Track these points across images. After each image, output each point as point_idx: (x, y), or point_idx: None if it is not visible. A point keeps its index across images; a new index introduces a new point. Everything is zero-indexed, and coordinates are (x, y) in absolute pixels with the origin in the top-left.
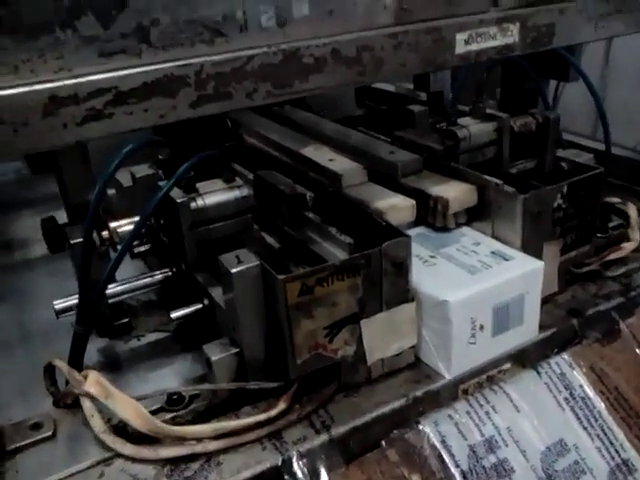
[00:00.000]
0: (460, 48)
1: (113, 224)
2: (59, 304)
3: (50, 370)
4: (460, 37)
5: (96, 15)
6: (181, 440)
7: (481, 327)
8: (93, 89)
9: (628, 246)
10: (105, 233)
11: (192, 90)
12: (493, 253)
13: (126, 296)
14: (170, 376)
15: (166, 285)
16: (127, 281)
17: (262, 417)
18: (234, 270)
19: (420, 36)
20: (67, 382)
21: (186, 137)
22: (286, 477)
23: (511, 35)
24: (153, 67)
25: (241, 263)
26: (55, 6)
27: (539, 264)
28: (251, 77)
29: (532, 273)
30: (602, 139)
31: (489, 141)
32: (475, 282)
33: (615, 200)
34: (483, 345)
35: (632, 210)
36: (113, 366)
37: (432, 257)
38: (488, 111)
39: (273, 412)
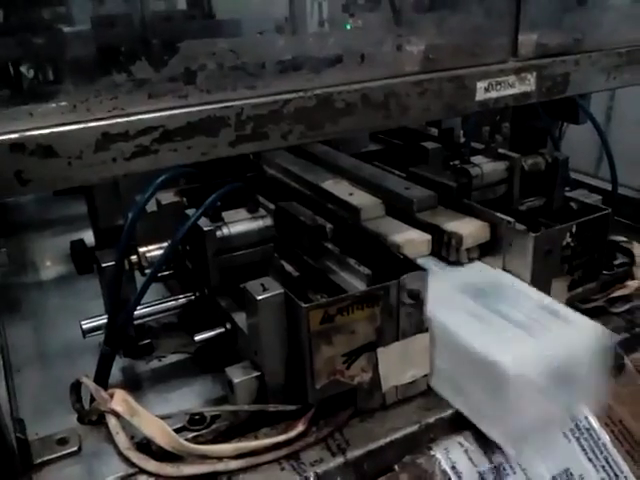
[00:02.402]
0: (480, 95)
1: (142, 249)
2: (86, 324)
3: (76, 387)
4: (480, 85)
5: (149, 60)
6: (203, 458)
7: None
8: (142, 127)
9: (633, 284)
10: (134, 257)
11: (232, 130)
12: (551, 312)
13: (151, 318)
14: (190, 396)
15: (187, 308)
16: (152, 304)
17: (281, 438)
18: (260, 297)
19: (443, 84)
20: (92, 399)
21: (209, 167)
22: None
23: (528, 84)
24: (197, 108)
25: (266, 291)
26: (113, 52)
27: (599, 329)
28: (287, 119)
29: (593, 337)
30: (605, 177)
31: (500, 179)
32: (536, 348)
33: (620, 239)
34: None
35: (637, 249)
36: (135, 385)
37: (487, 314)
38: (500, 151)
39: (292, 434)
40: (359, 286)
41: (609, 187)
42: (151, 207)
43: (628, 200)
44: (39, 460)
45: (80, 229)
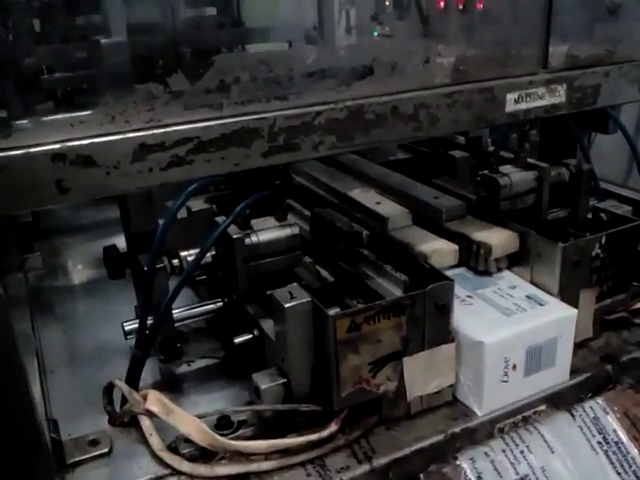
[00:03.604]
0: (510, 107)
1: (184, 253)
2: (129, 325)
3: (109, 390)
4: (510, 97)
5: (185, 72)
6: (238, 454)
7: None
8: (178, 138)
9: None
10: (176, 261)
11: (265, 141)
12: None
13: (181, 323)
14: (219, 401)
15: (216, 315)
16: (183, 309)
17: (314, 437)
18: (287, 305)
19: (473, 95)
20: (122, 402)
21: (239, 176)
22: None
23: (558, 95)
24: (231, 120)
25: (294, 299)
26: (151, 64)
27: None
28: (318, 131)
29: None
30: (635, 187)
31: (529, 189)
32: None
33: None
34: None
35: None
36: (164, 389)
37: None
38: (529, 160)
39: (324, 433)
40: (395, 292)
41: (638, 197)
42: (181, 214)
43: None
44: (71, 460)
45: (111, 234)
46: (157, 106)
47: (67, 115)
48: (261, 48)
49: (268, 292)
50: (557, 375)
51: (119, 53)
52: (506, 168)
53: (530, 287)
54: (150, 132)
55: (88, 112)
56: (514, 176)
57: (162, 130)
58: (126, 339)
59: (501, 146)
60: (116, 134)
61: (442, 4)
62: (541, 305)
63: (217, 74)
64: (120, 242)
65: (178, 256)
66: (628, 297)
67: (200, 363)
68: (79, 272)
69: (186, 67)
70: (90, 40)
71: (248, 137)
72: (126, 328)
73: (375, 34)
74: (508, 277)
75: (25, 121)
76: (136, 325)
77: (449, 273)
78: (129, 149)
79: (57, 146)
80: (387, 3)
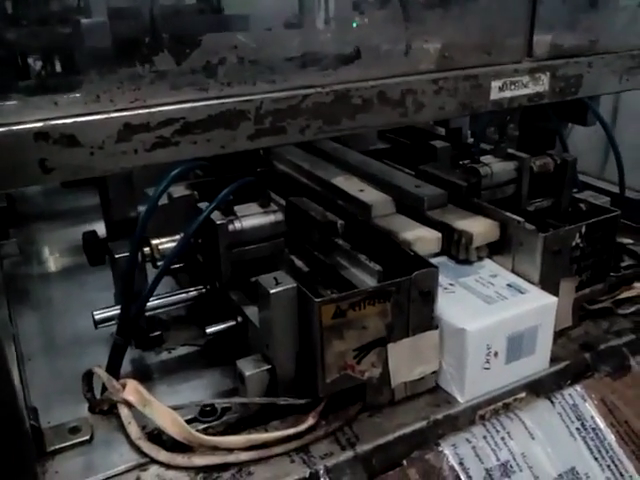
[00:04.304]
0: (495, 94)
1: (155, 241)
2: (99, 314)
3: (88, 377)
4: (495, 84)
5: (171, 52)
6: (214, 449)
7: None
8: (163, 119)
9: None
10: (147, 249)
11: (251, 124)
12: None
13: (162, 310)
14: (200, 388)
15: (196, 302)
16: (163, 296)
17: (291, 431)
18: (273, 291)
19: (459, 82)
20: (103, 389)
21: (220, 162)
22: None
23: (542, 84)
24: (218, 101)
25: (279, 284)
26: (137, 43)
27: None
28: (305, 114)
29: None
30: (609, 179)
31: (509, 179)
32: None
33: (627, 241)
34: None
35: None
36: (145, 376)
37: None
38: (509, 151)
39: (302, 427)
40: (369, 282)
41: (614, 189)
42: (162, 200)
43: (634, 202)
44: (52, 448)
45: (88, 221)
46: (142, 86)
47: (51, 94)
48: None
49: (253, 278)
50: (537, 362)
51: (104, 32)
52: (487, 158)
53: (511, 276)
54: (135, 112)
55: (73, 91)
56: (495, 166)
57: (147, 110)
58: (96, 328)
59: (481, 137)
60: (101, 113)
61: None
62: (522, 293)
63: (204, 54)
64: (97, 229)
65: (149, 244)
66: (605, 287)
67: (181, 351)
68: (55, 259)
69: (172, 47)
70: (75, 19)
71: (235, 119)
72: (97, 317)
73: (354, 25)
74: (489, 266)
75: (9, 100)
76: (107, 314)
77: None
78: (114, 129)
79: (40, 124)
80: None
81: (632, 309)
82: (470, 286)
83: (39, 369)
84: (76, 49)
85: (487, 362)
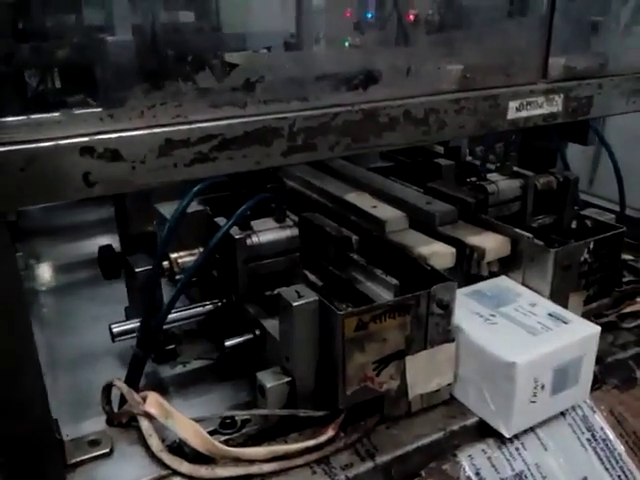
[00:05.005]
0: (512, 114)
1: (174, 255)
2: (117, 327)
3: (107, 390)
4: (512, 104)
5: (213, 70)
6: (236, 461)
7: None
8: (203, 135)
9: None
10: (166, 263)
11: (285, 141)
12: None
13: (179, 323)
14: (215, 401)
15: (210, 316)
16: (180, 309)
17: (312, 443)
18: (295, 304)
19: (479, 102)
20: (121, 402)
21: (231, 178)
22: None
23: (556, 105)
24: (254, 119)
25: (301, 297)
26: (181, 62)
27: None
28: (334, 132)
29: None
30: (597, 194)
31: (515, 197)
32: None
33: (628, 257)
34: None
35: None
36: (161, 390)
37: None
38: (515, 169)
39: (322, 439)
40: (386, 296)
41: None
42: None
43: (633, 220)
44: (72, 461)
45: (91, 237)
46: (184, 102)
47: (97, 109)
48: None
49: (269, 292)
50: (579, 392)
51: (150, 50)
52: (493, 176)
53: (549, 304)
54: (176, 128)
55: (117, 107)
56: (501, 184)
57: (188, 127)
58: (113, 341)
59: (485, 156)
60: (144, 129)
61: (411, 17)
62: (565, 323)
63: (243, 73)
64: (99, 243)
65: (168, 258)
66: (611, 301)
67: (195, 364)
68: (60, 274)
69: (214, 65)
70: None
71: (269, 136)
72: (114, 330)
73: (346, 44)
74: (525, 294)
75: (56, 113)
76: (124, 327)
77: (464, 292)
78: (155, 144)
79: (86, 139)
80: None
81: (635, 323)
82: (511, 316)
83: (49, 383)
84: (122, 66)
85: (534, 395)
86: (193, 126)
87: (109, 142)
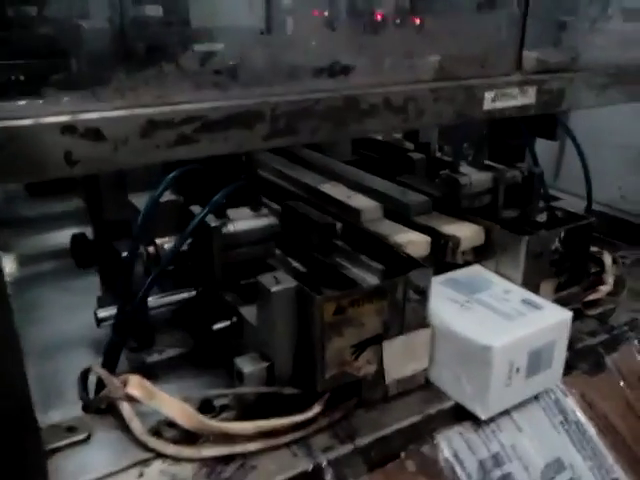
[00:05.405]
0: (487, 105)
1: (159, 240)
2: (101, 312)
3: (84, 376)
4: (488, 95)
5: (196, 53)
6: (224, 436)
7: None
8: (185, 117)
9: (604, 289)
10: (151, 248)
11: (267, 124)
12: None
13: (155, 311)
14: (193, 389)
15: (183, 305)
16: (157, 297)
17: (299, 418)
18: (274, 289)
19: (456, 92)
20: (97, 389)
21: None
22: None
23: (529, 96)
24: (237, 102)
25: (279, 283)
26: (164, 43)
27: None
28: (317, 117)
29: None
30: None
31: (486, 189)
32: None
33: (593, 249)
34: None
35: (607, 258)
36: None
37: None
38: (486, 162)
39: (309, 414)
40: (372, 281)
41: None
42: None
43: (597, 214)
44: (50, 447)
45: (55, 229)
46: (167, 84)
47: (79, 89)
48: None
49: (244, 281)
50: (552, 376)
51: (134, 32)
52: (465, 168)
53: (523, 291)
54: (159, 109)
55: (100, 87)
56: (473, 176)
57: (170, 108)
58: (98, 326)
59: (458, 151)
60: (126, 109)
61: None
62: (538, 309)
63: (226, 56)
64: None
65: (154, 244)
66: (581, 290)
67: (170, 352)
68: (26, 265)
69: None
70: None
71: (252, 119)
72: (100, 315)
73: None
74: (499, 282)
75: (39, 93)
76: (109, 312)
77: (439, 280)
78: (137, 125)
79: (67, 118)
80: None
81: (599, 310)
82: (486, 302)
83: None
84: (106, 47)
85: (509, 378)
86: (176, 107)
87: (91, 122)
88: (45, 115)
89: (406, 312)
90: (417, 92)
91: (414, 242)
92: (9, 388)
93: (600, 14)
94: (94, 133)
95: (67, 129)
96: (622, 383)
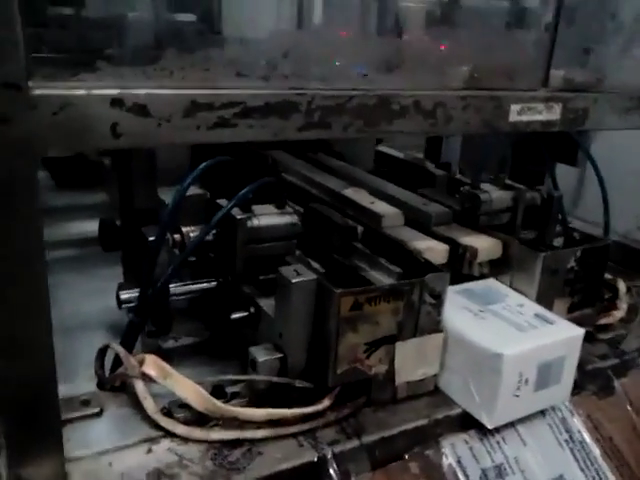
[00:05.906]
0: (513, 117)
1: (185, 229)
2: (124, 294)
3: (102, 353)
4: (514, 108)
5: (242, 43)
6: (233, 421)
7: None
8: (226, 101)
9: (617, 314)
10: (177, 236)
11: (302, 116)
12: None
13: (175, 298)
14: (207, 375)
15: (204, 294)
16: (178, 285)
17: (309, 410)
18: (294, 281)
19: (484, 101)
20: (113, 367)
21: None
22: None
23: (554, 113)
24: (276, 91)
25: (300, 275)
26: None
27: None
28: (349, 113)
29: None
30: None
31: (506, 207)
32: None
33: (608, 277)
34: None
35: (622, 285)
36: None
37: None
38: (507, 182)
39: (319, 407)
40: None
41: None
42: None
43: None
44: (63, 417)
45: (79, 219)
46: (212, 68)
47: (130, 66)
48: None
49: (262, 276)
50: (560, 393)
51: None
52: (486, 186)
53: (536, 306)
54: (203, 91)
55: (150, 65)
56: (494, 194)
57: (213, 91)
58: (120, 308)
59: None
60: (172, 88)
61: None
62: (550, 324)
63: (269, 47)
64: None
65: (180, 231)
66: (594, 312)
67: (185, 340)
68: (55, 250)
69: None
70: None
71: (288, 110)
72: (122, 297)
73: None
74: (513, 295)
75: (93, 67)
76: (132, 295)
77: (454, 289)
78: (181, 105)
79: (117, 91)
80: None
81: (611, 335)
82: (499, 313)
83: None
84: (158, 27)
85: (518, 389)
86: (218, 92)
87: (138, 97)
88: (97, 87)
89: (421, 315)
90: (447, 98)
91: (433, 249)
92: (38, 356)
93: (627, 39)
94: (140, 108)
95: (116, 102)
96: (630, 408)
